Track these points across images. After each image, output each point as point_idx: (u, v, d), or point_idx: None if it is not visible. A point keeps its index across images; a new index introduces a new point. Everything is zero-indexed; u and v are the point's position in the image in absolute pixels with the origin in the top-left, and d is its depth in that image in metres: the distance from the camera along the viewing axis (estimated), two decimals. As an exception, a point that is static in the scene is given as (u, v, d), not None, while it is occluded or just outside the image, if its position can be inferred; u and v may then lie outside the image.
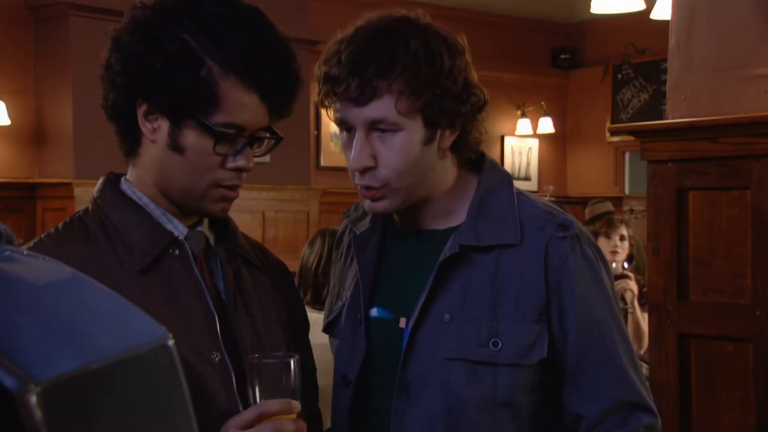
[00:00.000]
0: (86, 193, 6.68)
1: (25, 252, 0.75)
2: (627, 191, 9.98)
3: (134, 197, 1.55)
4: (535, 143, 10.39)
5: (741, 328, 2.52)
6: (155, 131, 1.49)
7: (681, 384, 2.62)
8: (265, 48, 1.48)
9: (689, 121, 2.65)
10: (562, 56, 10.58)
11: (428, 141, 1.55)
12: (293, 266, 3.25)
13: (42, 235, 1.55)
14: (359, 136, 1.54)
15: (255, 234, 7.77)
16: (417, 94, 1.51)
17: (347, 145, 1.57)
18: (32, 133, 7.21)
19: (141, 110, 1.49)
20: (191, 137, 1.47)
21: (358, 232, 1.69)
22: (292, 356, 1.44)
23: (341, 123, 1.57)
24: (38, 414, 0.56)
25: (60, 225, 1.56)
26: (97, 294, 0.73)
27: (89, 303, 0.71)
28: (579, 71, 10.54)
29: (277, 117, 1.54)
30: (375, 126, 1.53)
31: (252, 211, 7.50)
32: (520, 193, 1.65)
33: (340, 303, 1.71)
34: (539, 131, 10.26)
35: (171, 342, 0.70)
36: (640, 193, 7.89)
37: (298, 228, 7.95)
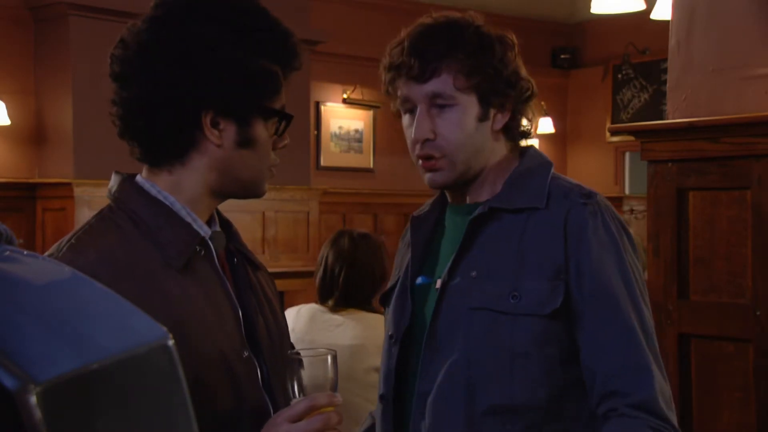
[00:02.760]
0: (86, 193, 6.67)
1: (25, 252, 0.75)
2: (627, 191, 9.99)
3: (159, 196, 1.54)
4: (535, 143, 10.31)
5: (741, 328, 2.53)
6: (221, 136, 1.51)
7: (681, 384, 2.63)
8: (282, 30, 1.55)
9: (689, 121, 2.65)
10: (562, 56, 10.58)
11: (482, 119, 1.72)
12: (293, 266, 3.25)
13: (78, 231, 1.53)
14: (421, 110, 1.71)
15: (255, 234, 7.77)
16: (472, 73, 1.69)
17: (409, 126, 1.74)
18: (32, 133, 7.21)
19: (207, 120, 1.49)
20: (260, 129, 1.53)
21: (416, 215, 1.86)
22: (331, 351, 1.50)
23: (405, 102, 1.73)
24: (38, 414, 0.56)
25: (93, 221, 1.54)
26: (97, 294, 0.73)
27: (89, 303, 0.71)
28: (579, 71, 10.54)
29: None
30: (434, 101, 1.70)
31: (252, 211, 7.50)
32: (556, 174, 1.78)
33: (395, 279, 1.87)
34: (539, 131, 10.25)
35: (171, 342, 0.70)
36: (640, 193, 7.89)
37: (298, 228, 7.95)
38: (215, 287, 1.54)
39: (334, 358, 1.49)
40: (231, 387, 1.50)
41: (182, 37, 1.48)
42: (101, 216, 1.55)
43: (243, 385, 1.52)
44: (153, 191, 1.54)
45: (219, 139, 1.50)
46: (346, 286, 3.16)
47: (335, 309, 3.15)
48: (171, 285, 1.47)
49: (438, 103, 1.70)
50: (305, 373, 1.47)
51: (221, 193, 1.57)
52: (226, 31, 1.48)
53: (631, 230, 1.76)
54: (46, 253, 1.50)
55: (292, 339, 3.14)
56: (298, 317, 3.18)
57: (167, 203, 1.54)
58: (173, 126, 1.50)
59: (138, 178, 1.57)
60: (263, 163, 1.56)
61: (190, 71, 1.47)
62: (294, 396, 1.46)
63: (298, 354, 1.50)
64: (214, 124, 1.50)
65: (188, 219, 1.54)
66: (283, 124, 1.55)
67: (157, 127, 1.51)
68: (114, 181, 1.58)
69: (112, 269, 1.44)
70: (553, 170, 1.77)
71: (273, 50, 1.52)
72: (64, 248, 1.49)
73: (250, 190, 1.59)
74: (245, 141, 1.52)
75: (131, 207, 1.53)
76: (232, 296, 1.55)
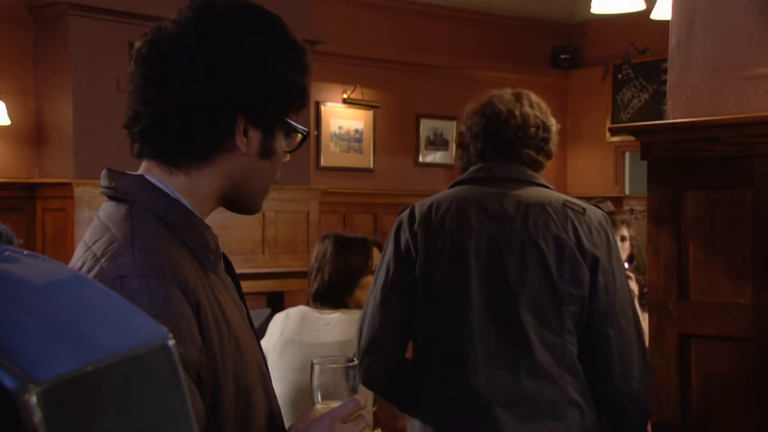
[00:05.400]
0: (86, 193, 6.67)
1: (25, 252, 0.75)
2: (627, 191, 9.99)
3: (174, 196, 1.49)
4: (535, 143, 10.37)
5: (741, 328, 2.53)
6: (249, 144, 1.50)
7: (681, 384, 2.62)
8: (302, 46, 1.56)
9: (689, 121, 2.65)
10: (562, 56, 10.58)
11: None
12: (293, 266, 3.28)
13: (131, 236, 1.43)
14: None
15: (255, 234, 7.76)
16: None
17: None
18: (32, 133, 7.20)
19: (240, 126, 1.49)
20: (280, 141, 1.54)
21: None
22: (352, 360, 1.55)
23: None
24: (38, 414, 0.56)
25: (135, 224, 1.45)
26: (97, 294, 0.73)
27: (89, 303, 0.71)
28: (579, 71, 10.54)
29: None
30: None
31: (252, 211, 7.49)
32: None
33: None
34: (539, 131, 10.23)
35: (171, 342, 0.70)
36: (640, 193, 7.89)
37: (298, 228, 7.95)
38: (232, 290, 1.54)
39: (355, 367, 1.53)
40: (260, 385, 1.51)
41: (227, 43, 1.48)
42: (132, 218, 1.46)
43: (268, 382, 1.55)
44: (167, 191, 1.49)
45: (246, 147, 1.50)
46: (332, 287, 3.32)
47: (324, 309, 3.29)
48: (217, 286, 1.47)
49: None
50: (331, 381, 1.53)
51: (226, 200, 1.55)
52: (266, 42, 1.50)
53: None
54: (92, 272, 1.39)
55: (282, 340, 3.28)
56: (287, 320, 3.34)
57: (182, 203, 1.49)
58: (208, 129, 1.48)
59: (149, 178, 1.50)
60: (273, 178, 1.57)
61: (233, 76, 1.47)
62: (318, 400, 1.52)
63: (324, 362, 1.54)
64: (244, 132, 1.50)
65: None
66: (299, 138, 1.57)
67: (192, 129, 1.48)
68: (132, 183, 1.50)
69: (191, 277, 1.41)
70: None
71: (298, 65, 1.53)
72: (129, 258, 1.39)
73: (251, 204, 1.59)
74: (267, 151, 1.52)
75: (158, 210, 1.47)
76: (237, 296, 1.56)
